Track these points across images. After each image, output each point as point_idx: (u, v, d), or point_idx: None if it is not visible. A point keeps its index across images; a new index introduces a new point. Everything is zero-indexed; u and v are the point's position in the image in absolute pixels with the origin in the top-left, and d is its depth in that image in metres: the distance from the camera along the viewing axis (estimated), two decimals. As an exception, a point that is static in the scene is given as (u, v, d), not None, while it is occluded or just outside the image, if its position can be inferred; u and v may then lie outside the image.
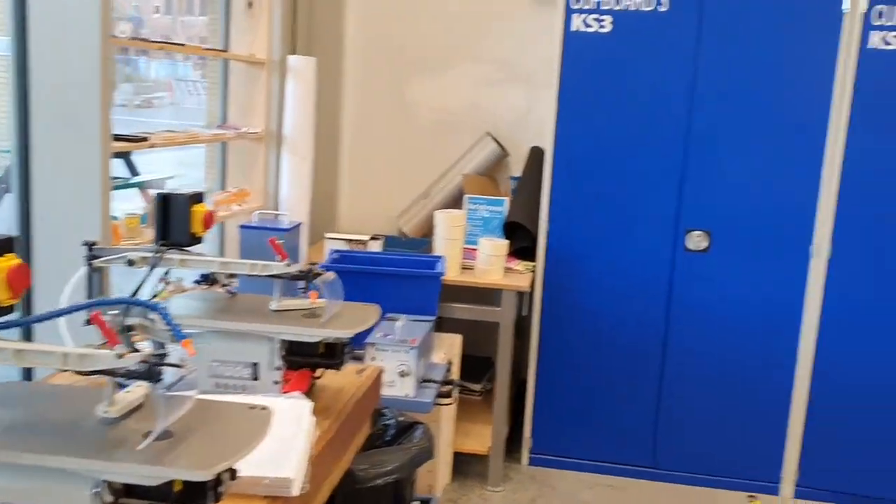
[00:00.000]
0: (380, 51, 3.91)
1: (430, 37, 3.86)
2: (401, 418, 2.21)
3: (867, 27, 3.02)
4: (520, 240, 3.45)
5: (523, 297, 3.37)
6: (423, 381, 2.36)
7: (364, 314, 1.52)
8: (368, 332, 2.21)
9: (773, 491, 3.33)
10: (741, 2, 3.09)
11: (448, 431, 3.01)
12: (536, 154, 3.59)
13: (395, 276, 2.71)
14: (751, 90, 3.12)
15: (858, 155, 3.08)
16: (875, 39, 3.03)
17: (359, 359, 2.20)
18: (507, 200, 3.48)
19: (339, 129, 3.98)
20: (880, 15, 3.01)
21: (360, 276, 2.66)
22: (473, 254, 3.24)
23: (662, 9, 3.13)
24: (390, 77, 3.92)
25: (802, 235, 3.16)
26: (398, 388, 2.27)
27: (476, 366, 3.61)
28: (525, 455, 3.47)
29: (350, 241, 3.07)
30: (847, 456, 3.26)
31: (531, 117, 3.78)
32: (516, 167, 3.80)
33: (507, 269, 3.28)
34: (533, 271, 3.35)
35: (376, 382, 1.76)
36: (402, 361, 2.26)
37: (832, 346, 3.20)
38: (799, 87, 3.10)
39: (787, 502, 3.31)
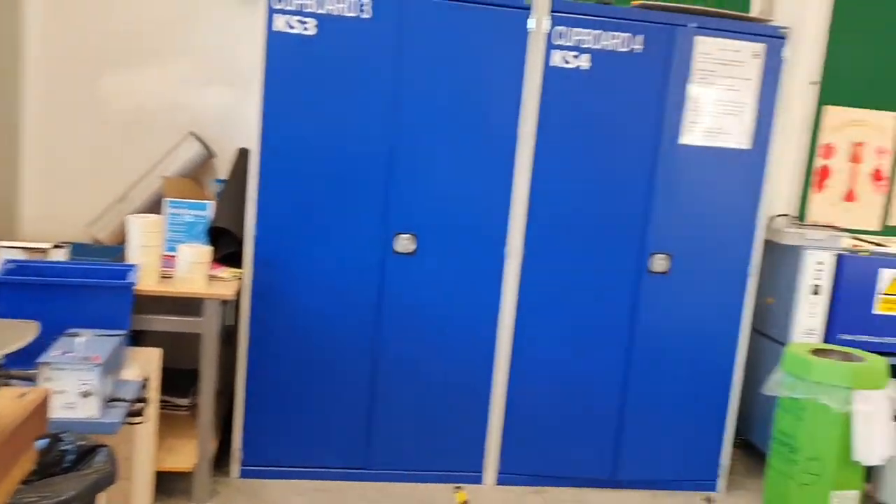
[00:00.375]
0: (69, 41, 3.57)
1: (127, 28, 3.60)
2: (82, 442, 2.02)
3: (549, 46, 3.29)
4: (226, 245, 3.33)
5: (228, 306, 3.25)
6: (111, 401, 2.18)
7: (16, 332, 1.36)
8: (38, 350, 2.00)
9: (478, 480, 3.52)
10: (438, 14, 3.21)
11: (146, 450, 2.81)
12: (244, 155, 3.48)
13: (78, 288, 2.47)
14: (449, 100, 3.26)
15: (544, 164, 3.34)
16: (556, 58, 3.30)
17: (30, 380, 1.99)
18: (211, 204, 3.34)
19: (18, 127, 3.58)
20: (560, 35, 3.29)
21: (38, 289, 2.40)
22: (174, 261, 3.07)
23: (365, 16, 3.17)
24: (82, 70, 3.60)
25: (498, 238, 3.37)
26: (80, 409, 2.08)
27: (182, 379, 3.43)
28: (235, 468, 3.35)
29: (28, 249, 2.76)
30: (542, 441, 3.53)
31: (238, 117, 3.66)
32: (223, 169, 3.67)
33: (212, 277, 3.14)
34: (240, 278, 3.24)
35: (42, 406, 1.59)
36: (84, 381, 2.07)
37: (527, 340, 3.44)
38: (492, 99, 3.29)
39: (489, 489, 3.51)
